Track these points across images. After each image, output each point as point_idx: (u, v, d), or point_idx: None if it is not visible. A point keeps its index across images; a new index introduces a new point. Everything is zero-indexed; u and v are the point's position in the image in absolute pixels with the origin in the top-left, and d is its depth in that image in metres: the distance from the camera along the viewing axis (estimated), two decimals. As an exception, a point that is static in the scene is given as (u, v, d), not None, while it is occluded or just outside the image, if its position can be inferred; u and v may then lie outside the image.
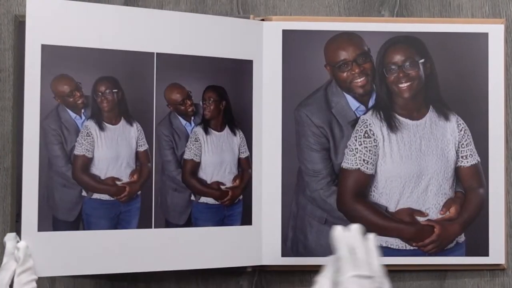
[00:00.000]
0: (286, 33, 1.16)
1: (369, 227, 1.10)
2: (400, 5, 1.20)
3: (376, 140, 1.14)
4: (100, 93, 1.07)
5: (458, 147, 1.16)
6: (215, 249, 1.10)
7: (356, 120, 1.15)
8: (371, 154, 1.14)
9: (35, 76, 1.01)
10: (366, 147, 1.14)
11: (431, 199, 1.14)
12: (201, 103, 1.12)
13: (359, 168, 1.14)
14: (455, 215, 1.14)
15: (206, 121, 1.12)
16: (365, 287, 0.90)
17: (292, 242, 1.15)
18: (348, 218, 1.14)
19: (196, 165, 1.11)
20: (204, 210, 1.11)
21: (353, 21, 1.17)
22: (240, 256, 1.12)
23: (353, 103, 1.15)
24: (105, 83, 1.06)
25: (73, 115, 1.06)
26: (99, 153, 1.07)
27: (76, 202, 1.05)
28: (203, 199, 1.12)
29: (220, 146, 1.12)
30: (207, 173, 1.12)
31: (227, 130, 1.13)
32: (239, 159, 1.13)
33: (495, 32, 1.17)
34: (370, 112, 1.15)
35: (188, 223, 1.10)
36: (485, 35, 1.17)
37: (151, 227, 1.07)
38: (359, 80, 1.14)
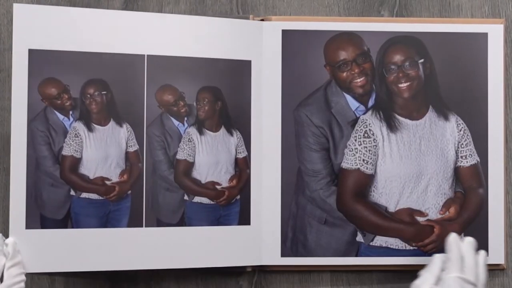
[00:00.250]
0: (285, 33, 1.15)
1: (368, 227, 1.13)
2: (400, 5, 1.20)
3: (376, 140, 1.13)
4: (88, 95, 1.09)
5: (458, 147, 1.15)
6: (211, 249, 1.11)
7: (355, 120, 1.14)
8: (371, 154, 1.13)
9: (22, 80, 1.05)
10: (366, 147, 1.13)
11: (430, 199, 1.14)
12: (194, 103, 1.12)
13: (358, 168, 1.13)
14: (454, 215, 1.14)
15: (200, 122, 1.13)
16: None
17: (292, 242, 1.14)
18: (348, 218, 1.14)
19: (190, 165, 1.12)
20: (198, 210, 1.12)
21: (353, 21, 1.17)
22: (238, 256, 1.12)
23: (353, 103, 1.15)
24: (93, 86, 1.09)
25: (61, 116, 1.09)
26: (87, 153, 1.09)
27: (64, 201, 1.08)
28: (197, 199, 1.12)
29: (215, 146, 1.13)
30: (202, 173, 1.13)
31: (223, 130, 1.13)
32: (236, 159, 1.13)
33: (494, 32, 1.16)
34: (369, 112, 1.14)
35: (181, 223, 1.11)
36: (485, 35, 1.16)
37: (141, 226, 1.09)
38: (358, 80, 1.14)
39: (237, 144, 1.13)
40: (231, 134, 1.13)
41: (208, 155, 1.13)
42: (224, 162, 1.13)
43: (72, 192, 1.09)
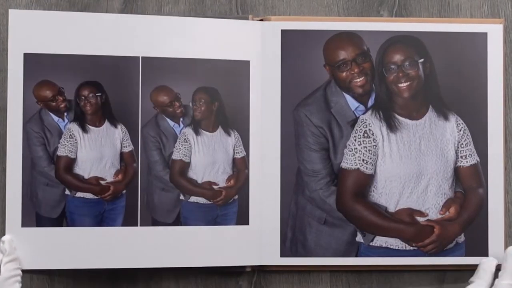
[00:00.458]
0: (285, 33, 1.14)
1: (368, 228, 1.13)
2: (399, 5, 1.19)
3: (376, 140, 1.13)
4: (83, 97, 1.11)
5: (458, 147, 1.14)
6: (208, 248, 1.11)
7: (355, 120, 1.14)
8: (371, 154, 1.12)
9: (18, 83, 1.08)
10: (366, 147, 1.12)
11: (430, 199, 1.13)
12: (191, 104, 1.13)
13: (358, 168, 1.12)
14: (454, 215, 1.13)
15: (196, 122, 1.14)
16: None
17: (291, 242, 1.14)
18: (348, 218, 1.13)
19: (185, 166, 1.13)
20: (195, 210, 1.13)
21: (352, 20, 1.16)
22: (237, 256, 1.12)
23: (353, 103, 1.14)
24: (88, 88, 1.11)
25: (55, 118, 1.11)
26: (82, 154, 1.12)
27: (59, 200, 1.11)
28: (193, 199, 1.13)
29: (212, 146, 1.13)
30: (198, 173, 1.13)
31: (220, 130, 1.14)
32: (234, 159, 1.14)
33: (494, 32, 1.16)
34: (369, 112, 1.14)
35: (177, 222, 1.12)
36: (484, 35, 1.16)
37: (136, 225, 1.10)
38: (358, 80, 1.13)
39: (235, 144, 1.13)
40: (229, 134, 1.14)
41: (205, 155, 1.13)
42: (221, 162, 1.13)
43: (67, 192, 1.11)
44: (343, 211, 1.13)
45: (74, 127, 1.12)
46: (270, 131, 1.14)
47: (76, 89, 1.11)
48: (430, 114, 1.14)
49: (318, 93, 1.14)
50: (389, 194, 1.13)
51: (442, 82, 1.14)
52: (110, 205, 1.12)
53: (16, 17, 1.08)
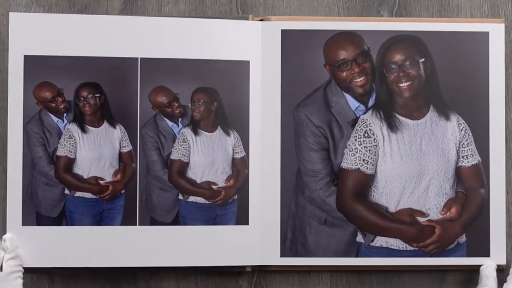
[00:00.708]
0: (285, 33, 1.14)
1: (369, 228, 1.12)
2: (399, 5, 1.19)
3: (376, 140, 1.12)
4: (82, 98, 1.13)
5: (459, 147, 1.14)
6: (207, 248, 1.11)
7: (355, 120, 1.13)
8: (371, 154, 1.12)
9: (18, 84, 1.10)
10: (366, 147, 1.12)
11: (431, 199, 1.12)
12: (189, 104, 1.13)
13: (358, 168, 1.11)
14: (456, 215, 1.12)
15: (195, 122, 1.14)
16: None
17: (291, 242, 1.13)
18: (348, 219, 1.12)
19: (184, 165, 1.13)
20: (193, 209, 1.13)
21: (353, 20, 1.15)
22: (236, 256, 1.12)
23: (353, 103, 1.13)
24: (87, 89, 1.12)
25: (55, 119, 1.13)
26: (81, 154, 1.13)
27: (59, 200, 1.12)
28: (192, 198, 1.13)
29: (211, 146, 1.14)
30: (197, 173, 1.13)
31: (219, 130, 1.14)
32: (234, 159, 1.14)
33: (495, 31, 1.15)
34: (370, 112, 1.13)
35: (176, 222, 1.12)
36: (486, 34, 1.15)
37: (135, 224, 1.11)
38: (359, 80, 1.12)
39: (234, 144, 1.13)
40: (228, 134, 1.14)
41: (204, 155, 1.14)
42: (220, 162, 1.14)
43: (67, 191, 1.13)
44: (344, 211, 1.12)
45: (74, 128, 1.13)
46: (270, 131, 1.13)
47: (75, 90, 1.12)
48: (431, 114, 1.13)
49: (318, 93, 1.13)
50: (389, 194, 1.12)
51: (443, 82, 1.13)
52: (109, 204, 1.13)
53: (16, 19, 1.10)
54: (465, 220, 1.12)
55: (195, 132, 1.13)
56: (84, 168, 1.12)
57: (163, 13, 1.16)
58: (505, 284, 1.07)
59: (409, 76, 1.11)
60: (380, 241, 1.11)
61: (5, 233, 1.09)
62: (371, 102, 1.13)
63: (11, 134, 1.10)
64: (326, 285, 1.15)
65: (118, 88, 1.12)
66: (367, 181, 1.11)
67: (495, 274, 1.09)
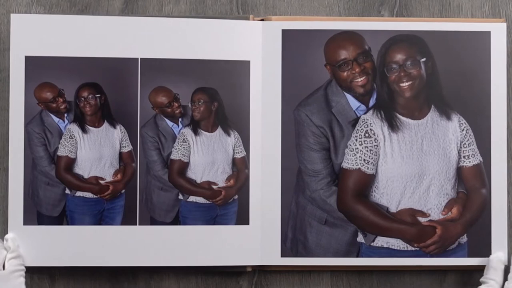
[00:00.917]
0: (285, 33, 1.13)
1: (370, 228, 1.12)
2: (400, 5, 1.18)
3: (377, 140, 1.11)
4: (82, 98, 1.13)
5: (460, 147, 1.13)
6: (207, 247, 1.11)
7: (356, 120, 1.12)
8: (372, 154, 1.11)
9: (19, 85, 1.10)
10: (367, 147, 1.11)
11: (433, 200, 1.11)
12: (189, 104, 1.13)
13: (359, 168, 1.11)
14: (457, 215, 1.12)
15: (195, 122, 1.14)
16: None
17: (292, 242, 1.13)
18: (349, 219, 1.12)
19: (184, 165, 1.14)
20: (193, 209, 1.13)
21: (353, 20, 1.15)
22: (237, 256, 1.12)
23: (354, 103, 1.13)
24: (87, 89, 1.12)
25: (56, 119, 1.13)
26: (82, 154, 1.13)
27: (59, 199, 1.13)
28: (192, 198, 1.13)
29: (211, 146, 1.14)
30: (197, 173, 1.14)
31: (219, 130, 1.14)
32: (234, 159, 1.14)
33: (497, 30, 1.14)
34: (370, 112, 1.12)
35: (176, 221, 1.13)
36: (487, 34, 1.14)
37: (135, 224, 1.12)
38: (359, 80, 1.12)
39: (234, 144, 1.13)
40: (228, 134, 1.13)
41: (204, 155, 1.14)
42: (220, 162, 1.13)
43: (67, 191, 1.13)
44: (344, 211, 1.11)
45: (74, 128, 1.13)
46: (271, 131, 1.12)
47: (76, 91, 1.12)
48: (432, 114, 1.12)
49: (319, 93, 1.13)
50: (390, 194, 1.11)
51: (445, 82, 1.13)
52: (109, 204, 1.13)
53: (18, 21, 1.11)
54: (466, 221, 1.11)
55: (195, 132, 1.13)
56: (84, 168, 1.13)
57: (164, 13, 1.16)
58: (506, 283, 1.06)
59: (410, 76, 1.10)
60: (381, 241, 1.11)
61: (6, 232, 1.09)
62: (372, 102, 1.12)
63: (13, 134, 1.10)
64: (326, 285, 1.15)
65: (119, 89, 1.12)
66: (368, 181, 1.11)
67: (503, 267, 1.08)
